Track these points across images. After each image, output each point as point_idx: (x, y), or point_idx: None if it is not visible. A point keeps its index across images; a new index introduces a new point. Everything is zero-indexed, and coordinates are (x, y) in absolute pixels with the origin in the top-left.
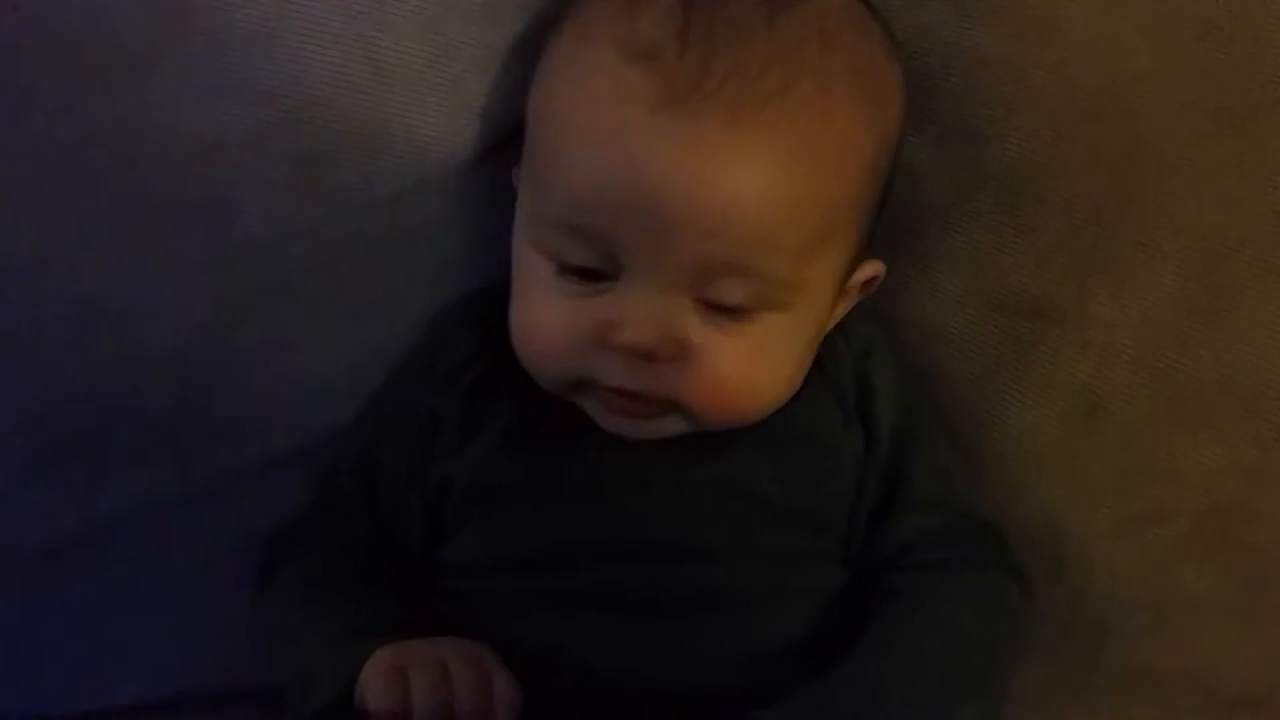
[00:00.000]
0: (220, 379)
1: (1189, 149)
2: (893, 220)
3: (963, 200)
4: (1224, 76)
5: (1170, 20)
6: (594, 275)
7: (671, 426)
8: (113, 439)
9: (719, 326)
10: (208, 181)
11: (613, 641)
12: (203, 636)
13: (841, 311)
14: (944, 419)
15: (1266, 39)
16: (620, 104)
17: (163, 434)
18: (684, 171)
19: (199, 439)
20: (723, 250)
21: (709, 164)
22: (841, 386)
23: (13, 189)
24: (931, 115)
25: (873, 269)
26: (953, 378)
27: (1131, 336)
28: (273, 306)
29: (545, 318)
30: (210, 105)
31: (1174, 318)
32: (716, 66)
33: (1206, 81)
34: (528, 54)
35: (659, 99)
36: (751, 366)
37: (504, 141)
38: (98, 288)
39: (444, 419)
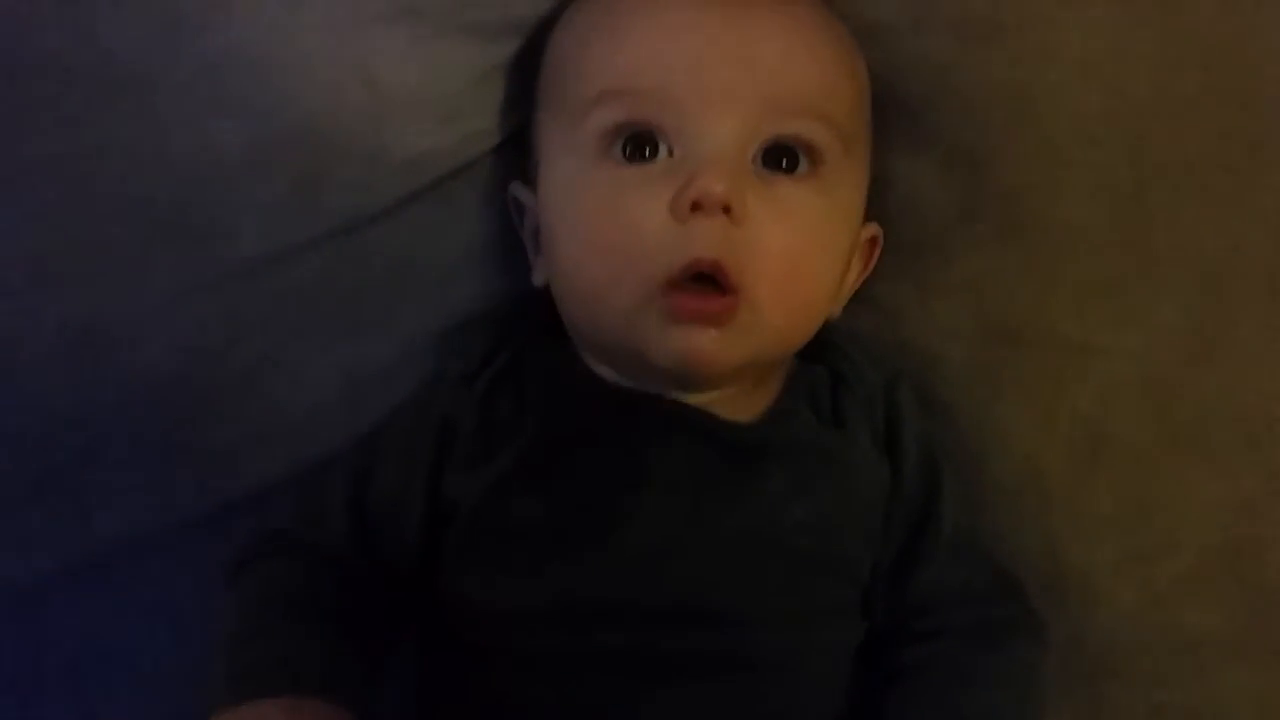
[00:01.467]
0: (215, 403)
1: (1190, 177)
2: (893, 245)
3: (963, 225)
4: (1225, 105)
5: (1172, 48)
6: (648, 148)
7: (734, 345)
8: (105, 465)
9: (777, 194)
10: (204, 201)
11: (620, 707)
12: (197, 667)
13: (856, 277)
14: (947, 447)
15: (1268, 64)
16: None
17: (156, 460)
18: (746, 23)
19: (193, 465)
20: (793, 88)
21: (768, 16)
22: (874, 414)
23: (9, 211)
24: (932, 139)
25: (874, 228)
26: (954, 406)
27: (1134, 367)
28: (269, 327)
29: (616, 211)
30: (206, 126)
31: (1176, 348)
32: None
33: (1208, 109)
34: (521, 72)
35: None
36: (804, 243)
37: (497, 153)
38: (93, 309)
39: (461, 423)
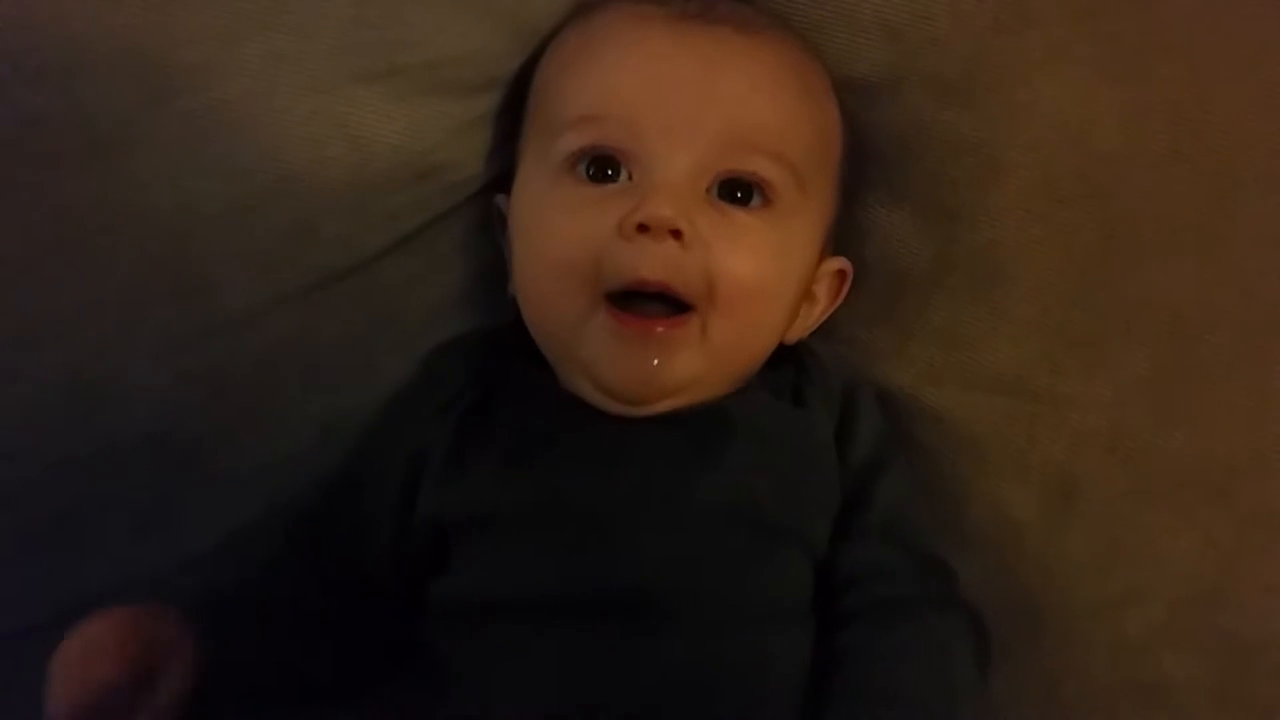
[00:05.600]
0: (196, 456)
1: (1162, 233)
2: (872, 289)
3: (939, 276)
4: (1194, 161)
5: (1141, 105)
6: (610, 170)
7: (682, 365)
8: (88, 518)
9: (729, 222)
10: (186, 258)
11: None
12: None
13: (823, 309)
14: (916, 474)
15: (1234, 124)
16: (641, 23)
17: (138, 511)
18: (710, 62)
19: (170, 520)
20: (750, 126)
21: (733, 57)
22: (832, 405)
23: None
24: (908, 191)
25: (841, 262)
26: (930, 452)
27: (1105, 418)
28: (251, 379)
29: (570, 225)
30: (187, 184)
31: (1147, 400)
32: (718, 6)
33: (1177, 165)
34: (497, 124)
35: (677, 17)
36: (757, 264)
37: (476, 200)
38: (77, 368)
39: (433, 452)
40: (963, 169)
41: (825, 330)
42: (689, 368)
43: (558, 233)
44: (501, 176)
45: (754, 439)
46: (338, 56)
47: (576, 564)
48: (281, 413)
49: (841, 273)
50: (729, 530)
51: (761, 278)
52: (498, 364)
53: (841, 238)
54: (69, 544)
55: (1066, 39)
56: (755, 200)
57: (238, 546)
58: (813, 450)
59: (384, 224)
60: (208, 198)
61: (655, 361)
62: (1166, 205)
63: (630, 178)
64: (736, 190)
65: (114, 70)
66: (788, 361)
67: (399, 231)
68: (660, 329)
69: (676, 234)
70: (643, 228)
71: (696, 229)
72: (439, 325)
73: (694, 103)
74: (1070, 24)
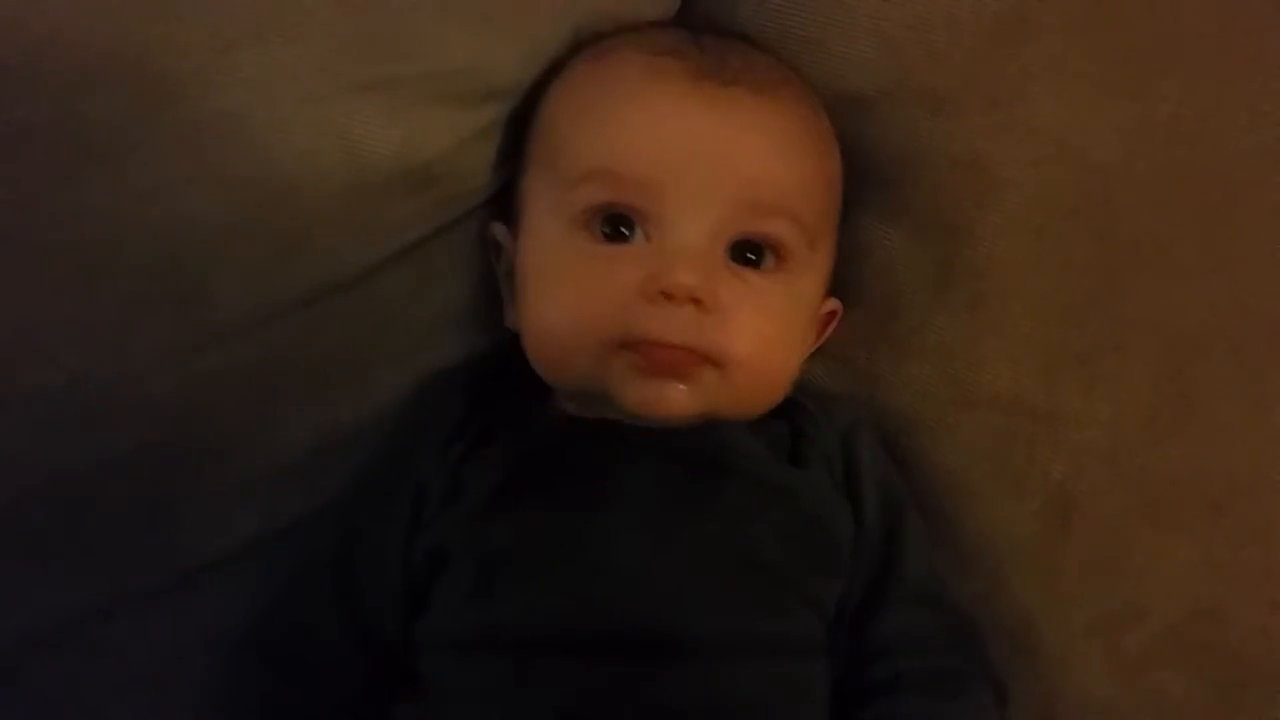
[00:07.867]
0: (188, 470)
1: (1160, 249)
2: (869, 309)
3: (937, 293)
4: (1195, 178)
5: (1142, 121)
6: (625, 228)
7: (700, 398)
8: (76, 535)
9: (745, 285)
10: (180, 268)
11: None
12: None
13: (812, 342)
14: (919, 508)
15: (1233, 141)
16: (659, 78)
17: (128, 528)
18: (729, 125)
19: (166, 532)
20: (767, 190)
21: (750, 120)
22: (830, 461)
23: None
24: (906, 209)
25: (834, 303)
26: (928, 470)
27: (1103, 435)
28: (246, 390)
29: (589, 281)
30: (182, 194)
31: (1145, 417)
32: (731, 61)
33: (1178, 182)
34: (498, 137)
35: (694, 75)
36: (772, 326)
37: (474, 214)
38: (72, 378)
39: (432, 485)
40: (960, 184)
41: (823, 351)
42: (710, 397)
43: (575, 290)
44: (501, 192)
45: (751, 487)
46: (335, 66)
47: (578, 599)
48: (277, 424)
49: (832, 313)
50: (725, 570)
51: (776, 338)
52: (495, 395)
53: (838, 256)
54: (64, 555)
55: (1065, 52)
56: (768, 261)
57: (233, 563)
58: (812, 511)
59: (381, 236)
60: (203, 209)
61: (678, 389)
62: (1165, 221)
63: (647, 238)
64: (748, 251)
65: (110, 81)
66: (780, 415)
67: (396, 244)
68: (683, 366)
69: (697, 300)
70: (666, 295)
71: (716, 296)
72: (436, 338)
73: (712, 167)
74: (1069, 37)
